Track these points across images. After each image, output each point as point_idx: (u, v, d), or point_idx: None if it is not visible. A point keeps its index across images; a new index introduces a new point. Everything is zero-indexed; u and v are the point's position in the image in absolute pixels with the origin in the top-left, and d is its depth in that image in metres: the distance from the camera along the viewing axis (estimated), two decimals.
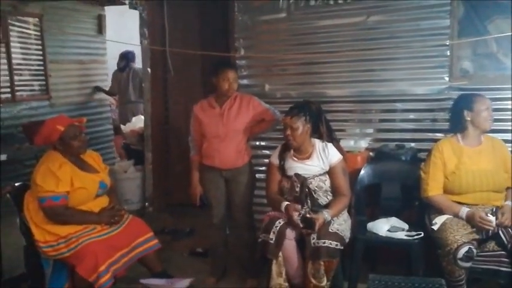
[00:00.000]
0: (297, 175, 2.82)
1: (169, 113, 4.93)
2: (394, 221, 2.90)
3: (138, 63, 5.72)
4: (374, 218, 3.01)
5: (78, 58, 5.59)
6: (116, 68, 6.06)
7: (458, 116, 2.80)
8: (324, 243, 2.53)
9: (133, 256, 2.85)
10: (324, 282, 2.54)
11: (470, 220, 2.59)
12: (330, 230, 2.59)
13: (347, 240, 2.69)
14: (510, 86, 3.14)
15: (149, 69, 4.75)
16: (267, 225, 2.68)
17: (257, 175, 3.37)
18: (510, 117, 3.17)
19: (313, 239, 2.56)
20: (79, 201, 2.82)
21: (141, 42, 4.77)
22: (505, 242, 2.55)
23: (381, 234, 2.84)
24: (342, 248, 2.60)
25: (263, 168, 3.47)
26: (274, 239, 2.61)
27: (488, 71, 3.23)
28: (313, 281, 2.53)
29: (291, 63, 3.76)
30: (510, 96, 3.15)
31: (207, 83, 3.22)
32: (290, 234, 2.66)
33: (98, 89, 5.82)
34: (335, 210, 2.72)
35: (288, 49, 3.73)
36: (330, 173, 2.81)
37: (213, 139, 3.12)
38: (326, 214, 2.65)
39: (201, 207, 3.32)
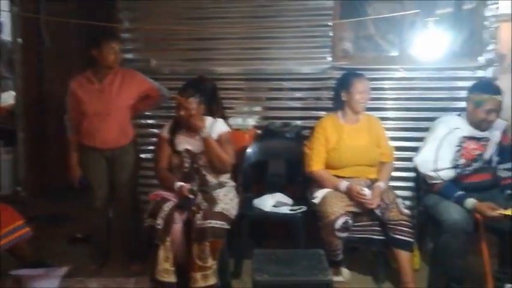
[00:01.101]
0: (188, 150, 2.76)
1: (44, 88, 4.51)
2: (279, 197, 2.97)
3: (6, 34, 5.12)
4: (261, 194, 3.04)
5: None
6: None
7: (337, 96, 2.94)
8: (210, 223, 2.50)
9: (1, 247, 2.57)
10: (210, 262, 2.51)
11: (348, 193, 2.73)
12: (215, 210, 2.56)
13: (233, 218, 2.68)
14: (387, 66, 3.36)
15: (20, 40, 4.28)
16: (154, 209, 2.57)
17: (144, 155, 3.23)
18: (387, 96, 3.41)
19: (199, 220, 2.51)
20: None
21: (10, 10, 4.26)
22: (378, 213, 2.74)
23: (266, 210, 2.89)
24: (228, 227, 2.59)
25: (150, 147, 3.35)
26: (162, 224, 2.51)
27: (367, 52, 3.41)
28: (198, 262, 2.49)
29: (179, 38, 3.63)
30: (384, 76, 3.38)
31: (88, 56, 2.99)
32: (178, 217, 2.58)
33: None
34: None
35: (176, 23, 3.58)
36: (217, 143, 2.75)
37: (93, 117, 2.91)
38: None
39: (81, 190, 3.10)
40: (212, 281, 2.52)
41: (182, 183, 2.63)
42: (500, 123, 2.69)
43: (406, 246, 2.68)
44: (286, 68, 3.48)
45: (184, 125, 2.75)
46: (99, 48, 2.86)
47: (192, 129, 2.72)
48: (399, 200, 2.74)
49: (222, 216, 2.56)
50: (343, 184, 2.76)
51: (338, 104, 2.95)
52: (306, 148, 2.95)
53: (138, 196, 3.16)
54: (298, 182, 3.13)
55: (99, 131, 2.91)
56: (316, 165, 2.87)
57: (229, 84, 3.59)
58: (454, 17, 3.37)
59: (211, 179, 2.76)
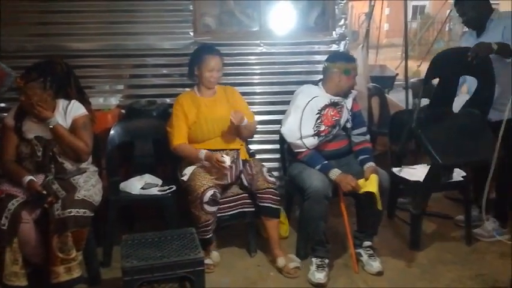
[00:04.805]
0: (38, 138, 2.52)
1: None
2: (148, 178, 2.88)
3: None
4: (129, 177, 2.92)
5: None
6: None
7: (191, 71, 2.94)
8: (70, 212, 2.33)
9: None
10: (74, 253, 2.35)
11: (208, 161, 2.72)
12: (76, 198, 2.40)
13: (97, 205, 2.54)
14: (247, 41, 3.40)
15: None
16: None
17: None
18: (252, 71, 3.47)
19: (57, 210, 2.33)
20: None
21: None
22: (246, 184, 2.81)
23: (134, 193, 2.78)
24: (92, 214, 2.44)
25: None
26: (7, 225, 2.28)
27: (230, 27, 3.41)
28: (60, 255, 2.31)
29: (27, 10, 3.27)
30: (247, 51, 3.42)
31: None
32: (27, 215, 2.36)
33: None
34: None
35: None
36: (72, 128, 2.57)
37: None
38: None
39: None
40: (77, 273, 2.37)
41: (31, 178, 2.41)
42: (352, 91, 2.89)
43: (272, 213, 2.79)
44: (147, 43, 3.34)
45: (28, 111, 2.49)
46: None
47: (38, 117, 2.49)
48: (264, 169, 2.82)
49: (84, 203, 2.40)
50: (202, 152, 2.75)
51: (193, 79, 2.96)
52: (168, 126, 2.89)
53: None
54: (167, 161, 3.05)
55: None
56: (177, 140, 2.82)
57: (88, 62, 3.35)
58: None
59: (69, 166, 2.56)
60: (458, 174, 3.12)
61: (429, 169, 2.85)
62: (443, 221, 3.39)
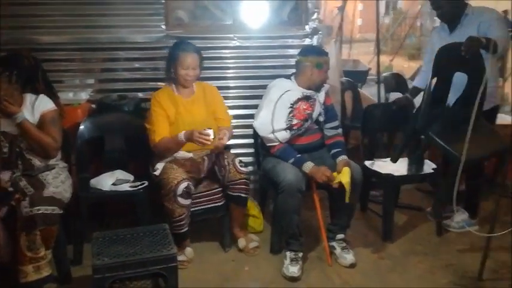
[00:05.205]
0: (4, 133, 2.45)
1: None
2: (119, 174, 2.83)
3: None
4: (100, 173, 2.86)
5: None
6: None
7: (168, 68, 2.87)
8: (39, 210, 2.26)
9: None
10: (43, 252, 2.29)
11: (190, 139, 2.61)
12: (44, 195, 2.33)
13: (67, 202, 2.48)
14: (221, 35, 3.37)
15: None
16: None
17: None
18: (226, 65, 3.44)
19: (25, 207, 2.26)
20: None
21: None
22: (219, 176, 2.80)
23: (105, 189, 2.73)
24: (61, 212, 2.38)
25: None
26: None
27: (202, 20, 3.37)
28: (28, 253, 2.25)
29: None
30: (221, 45, 3.39)
31: None
32: None
33: None
34: None
35: None
36: (40, 123, 2.51)
37: None
38: None
39: None
40: (46, 272, 2.32)
41: None
42: (325, 85, 2.91)
43: (241, 202, 2.83)
44: (118, 37, 3.27)
45: None
46: None
47: (4, 113, 2.42)
48: (236, 160, 2.80)
49: (52, 200, 2.34)
50: (181, 134, 2.66)
51: (170, 76, 2.88)
52: (147, 124, 2.81)
53: None
54: (139, 157, 3.00)
55: None
56: (158, 136, 2.74)
57: (58, 55, 3.27)
58: None
59: (37, 162, 2.50)
60: (429, 167, 3.18)
61: (450, 167, 2.81)
62: (415, 213, 3.46)
